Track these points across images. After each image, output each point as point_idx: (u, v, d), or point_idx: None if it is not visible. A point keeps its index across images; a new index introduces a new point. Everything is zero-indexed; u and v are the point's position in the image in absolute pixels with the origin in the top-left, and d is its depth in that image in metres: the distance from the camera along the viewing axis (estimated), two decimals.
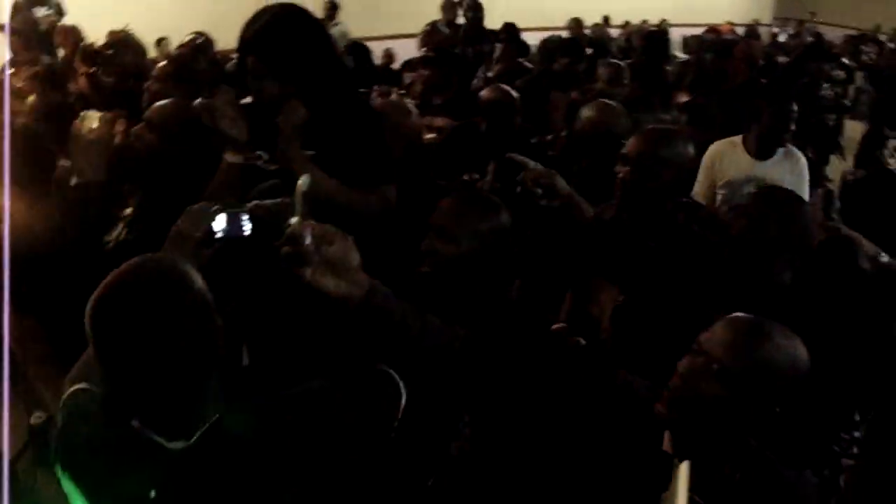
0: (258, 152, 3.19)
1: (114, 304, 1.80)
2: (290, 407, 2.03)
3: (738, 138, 5.15)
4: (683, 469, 2.05)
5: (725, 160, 5.12)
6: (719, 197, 5.09)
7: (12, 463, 2.82)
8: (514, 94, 5.31)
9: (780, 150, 5.06)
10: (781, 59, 11.96)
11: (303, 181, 1.85)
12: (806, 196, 4.94)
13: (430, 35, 8.54)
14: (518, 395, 2.29)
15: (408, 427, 2.23)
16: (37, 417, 2.97)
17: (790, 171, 5.06)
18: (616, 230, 3.47)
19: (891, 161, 7.10)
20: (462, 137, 5.24)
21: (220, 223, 2.26)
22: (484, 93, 5.44)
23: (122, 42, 5.85)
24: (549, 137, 5.68)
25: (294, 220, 1.85)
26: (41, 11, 9.47)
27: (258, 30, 3.06)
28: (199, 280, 1.89)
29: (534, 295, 4.93)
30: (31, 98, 4.75)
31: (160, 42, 11.27)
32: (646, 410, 2.28)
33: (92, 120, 3.05)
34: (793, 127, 5.00)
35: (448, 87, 6.21)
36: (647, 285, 3.29)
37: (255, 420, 1.97)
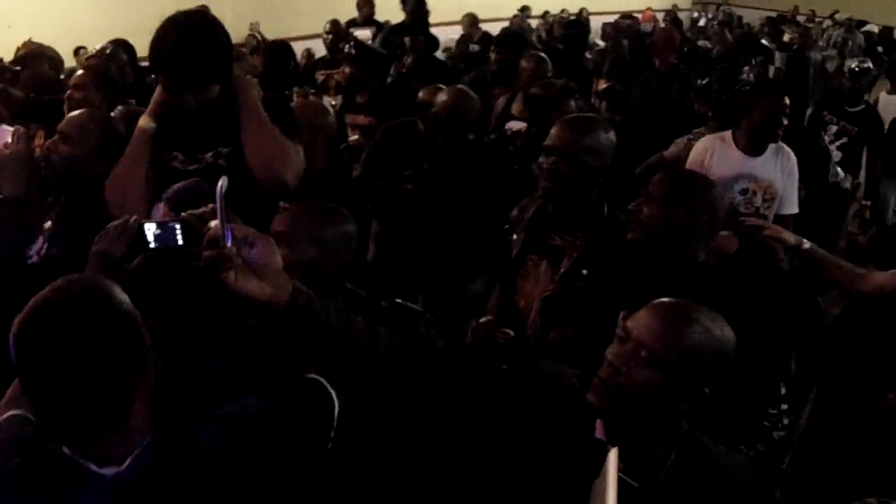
0: (174, 152, 3.20)
1: (37, 328, 1.74)
2: (224, 427, 1.97)
3: (727, 134, 5.02)
4: (613, 455, 2.04)
5: (715, 156, 4.97)
6: None
7: None
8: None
9: (771, 147, 4.92)
10: (702, 43, 12.13)
11: (222, 182, 1.80)
12: (794, 194, 4.98)
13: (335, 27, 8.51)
14: (447, 394, 2.23)
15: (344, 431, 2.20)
16: None
17: (781, 168, 4.95)
18: (543, 221, 3.50)
19: (830, 146, 7.20)
20: (398, 137, 5.25)
21: (150, 234, 2.24)
22: (421, 94, 5.48)
23: (36, 54, 5.79)
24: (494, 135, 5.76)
25: (214, 222, 1.78)
26: None
27: (169, 49, 3.07)
28: (124, 298, 1.83)
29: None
30: None
31: (78, 51, 11.15)
32: (576, 400, 2.25)
33: (5, 134, 3.02)
34: (785, 122, 4.85)
35: (369, 84, 6.21)
36: (575, 274, 3.31)
37: (190, 442, 1.91)
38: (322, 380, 2.13)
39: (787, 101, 4.87)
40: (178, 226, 2.23)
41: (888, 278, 3.53)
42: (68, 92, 4.72)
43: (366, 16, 10.10)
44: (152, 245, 2.25)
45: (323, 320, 1.94)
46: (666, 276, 2.99)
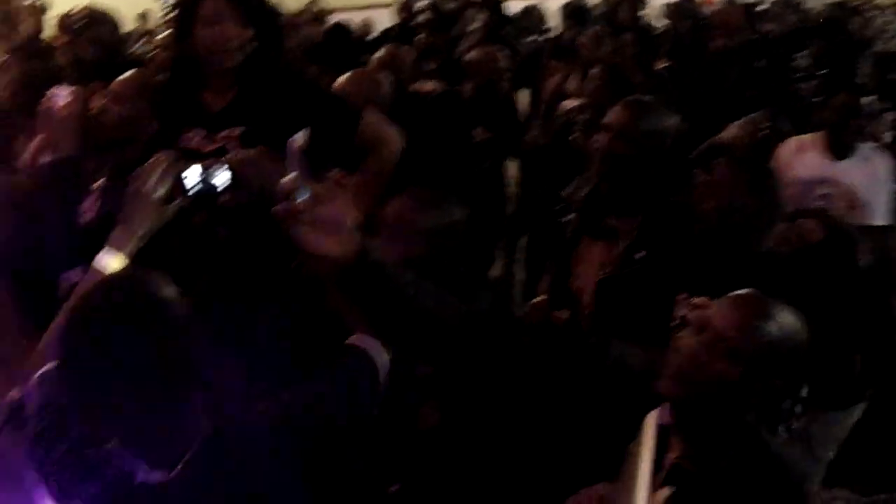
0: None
1: (85, 333, 1.72)
2: (271, 423, 1.96)
3: (815, 136, 4.87)
4: (650, 422, 2.05)
5: (799, 157, 4.89)
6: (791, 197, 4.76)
7: None
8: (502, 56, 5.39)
9: (862, 151, 4.76)
10: (768, 26, 11.92)
11: (298, 136, 1.78)
12: (883, 204, 4.78)
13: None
14: (512, 366, 2.24)
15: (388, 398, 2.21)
16: (14, 393, 2.97)
17: (869, 174, 4.78)
18: (597, 202, 3.48)
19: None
20: (445, 105, 5.24)
21: (192, 177, 2.22)
22: (472, 55, 5.49)
23: (97, 18, 5.82)
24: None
25: (288, 177, 1.77)
26: None
27: None
28: (173, 293, 1.80)
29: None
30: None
31: (142, 16, 11.22)
32: (641, 383, 2.28)
33: (62, 96, 3.05)
34: (866, 123, 4.71)
35: (440, 51, 6.19)
36: (630, 258, 3.28)
37: (239, 442, 1.89)
38: (364, 346, 2.13)
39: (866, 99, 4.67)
40: (222, 168, 2.21)
41: None
42: (154, 52, 4.75)
43: None
44: (194, 190, 2.24)
45: (392, 280, 1.93)
46: (727, 263, 2.96)
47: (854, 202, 4.70)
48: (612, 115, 3.41)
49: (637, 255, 3.26)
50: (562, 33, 7.11)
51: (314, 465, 1.97)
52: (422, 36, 6.49)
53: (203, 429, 1.82)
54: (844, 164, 4.75)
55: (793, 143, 4.98)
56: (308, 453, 1.96)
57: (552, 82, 6.27)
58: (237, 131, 3.05)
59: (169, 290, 1.79)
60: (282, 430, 1.93)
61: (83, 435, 1.84)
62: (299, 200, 1.74)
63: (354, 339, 2.17)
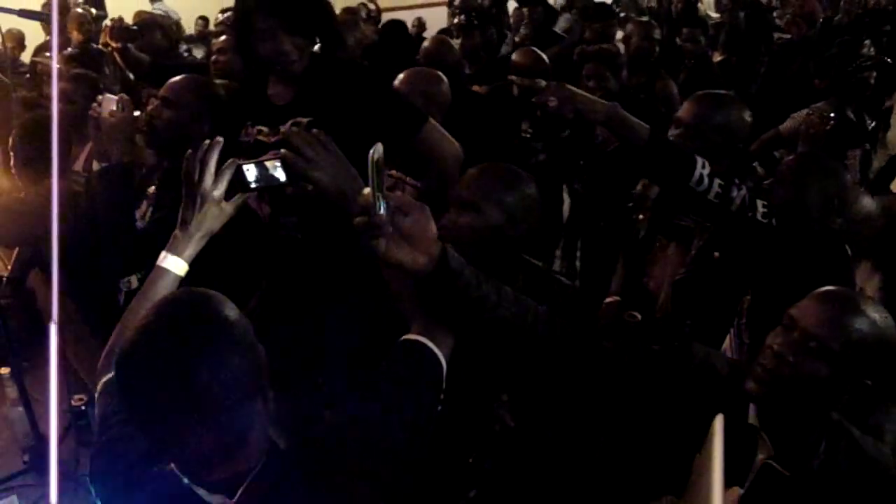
0: (258, 126, 3.18)
1: (144, 360, 1.63)
2: (335, 442, 1.88)
3: None
4: (718, 425, 2.02)
5: None
6: None
7: (56, 444, 2.84)
8: (545, 57, 5.34)
9: None
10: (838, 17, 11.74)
11: (375, 149, 1.76)
12: None
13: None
14: (594, 371, 2.23)
15: (454, 399, 2.17)
16: (77, 399, 2.99)
17: None
18: (669, 201, 3.46)
19: None
20: (495, 101, 5.22)
21: (250, 174, 2.19)
22: (515, 56, 5.47)
23: (149, 23, 5.89)
24: None
25: (367, 190, 1.76)
26: None
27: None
28: (236, 315, 1.72)
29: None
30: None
31: (202, 20, 11.39)
32: (727, 384, 2.25)
33: (110, 103, 3.06)
34: None
35: (478, 56, 6.15)
36: (706, 257, 3.26)
37: (303, 463, 1.81)
38: (424, 340, 2.07)
39: None
40: (277, 163, 2.19)
41: None
42: (213, 57, 4.79)
43: None
44: (253, 185, 2.19)
45: (474, 288, 1.93)
46: (798, 256, 2.91)
47: None
48: (684, 110, 3.37)
49: (713, 254, 3.23)
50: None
51: (388, 474, 1.92)
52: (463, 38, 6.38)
53: (264, 451, 1.76)
54: None
55: None
56: (380, 464, 1.91)
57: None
58: (304, 121, 3.04)
59: (230, 311, 1.72)
60: (349, 445, 1.88)
61: (143, 452, 1.83)
62: (380, 213, 1.73)
63: (416, 332, 2.10)
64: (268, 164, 2.18)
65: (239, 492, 1.72)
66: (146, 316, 1.68)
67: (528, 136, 4.91)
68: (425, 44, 5.87)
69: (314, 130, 2.18)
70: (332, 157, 2.15)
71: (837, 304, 2.15)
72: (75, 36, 6.73)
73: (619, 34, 6.79)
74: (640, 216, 3.68)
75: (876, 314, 2.13)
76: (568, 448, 2.63)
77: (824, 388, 2.12)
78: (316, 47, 3.16)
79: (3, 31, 7.44)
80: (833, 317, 2.12)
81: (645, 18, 6.24)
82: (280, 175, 2.17)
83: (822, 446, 2.19)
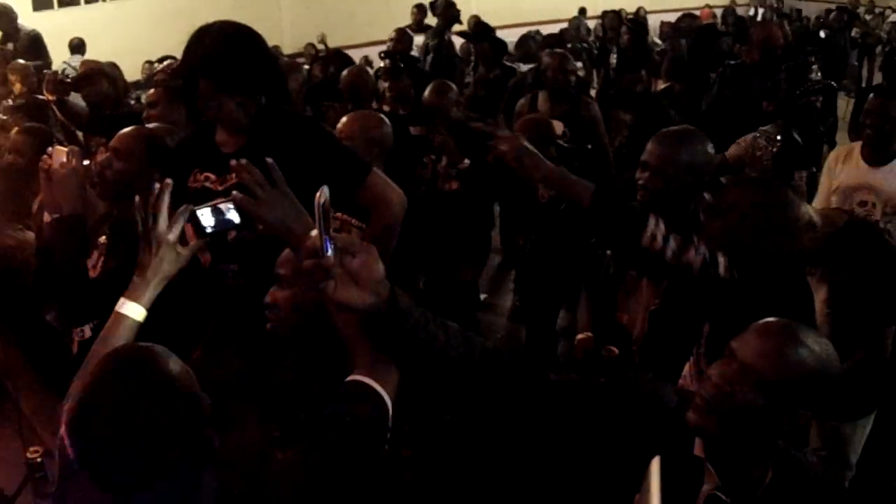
0: (206, 173, 3.21)
1: (90, 419, 1.71)
2: (284, 479, 1.94)
3: (858, 143, 4.81)
4: (655, 465, 2.04)
5: (841, 164, 4.83)
6: (833, 203, 4.77)
7: (12, 498, 2.83)
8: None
9: None
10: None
11: (322, 192, 1.78)
12: None
13: (396, 43, 8.54)
14: (541, 404, 2.22)
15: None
16: (33, 452, 2.99)
17: None
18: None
19: None
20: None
21: (205, 219, 2.21)
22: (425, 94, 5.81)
23: (95, 72, 5.90)
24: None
25: (314, 232, 1.76)
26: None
27: (210, 51, 3.05)
28: (177, 369, 1.80)
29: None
30: (14, 131, 4.77)
31: (148, 64, 11.41)
32: (674, 416, 2.24)
33: (60, 154, 3.07)
34: None
35: (408, 98, 6.22)
36: (680, 290, 3.26)
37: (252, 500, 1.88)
38: (369, 381, 2.09)
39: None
40: (230, 205, 2.20)
41: None
42: (145, 112, 4.82)
43: (419, 21, 10.20)
44: (209, 230, 2.22)
45: (422, 327, 1.93)
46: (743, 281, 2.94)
47: (894, 208, 4.62)
48: (649, 151, 3.40)
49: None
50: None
51: None
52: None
53: (209, 494, 1.82)
54: (882, 171, 4.65)
55: (838, 149, 5.01)
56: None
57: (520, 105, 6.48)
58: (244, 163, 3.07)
59: (172, 364, 1.80)
60: (294, 486, 1.91)
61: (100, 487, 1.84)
62: (327, 254, 1.74)
63: (361, 373, 2.13)
64: (222, 206, 2.21)
65: None
66: (92, 373, 1.76)
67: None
68: (344, 73, 6.14)
69: (269, 161, 2.21)
70: (281, 196, 2.19)
71: (776, 336, 2.16)
72: (17, 88, 6.74)
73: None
74: (608, 252, 3.69)
75: (816, 346, 2.14)
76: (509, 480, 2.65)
77: (761, 419, 2.13)
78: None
79: None
80: (771, 349, 2.13)
81: (559, 51, 6.39)
82: (234, 217, 2.20)
83: (768, 475, 2.20)
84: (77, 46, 12.61)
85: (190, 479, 1.77)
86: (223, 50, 3.05)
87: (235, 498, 1.84)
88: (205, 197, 2.86)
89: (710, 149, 3.43)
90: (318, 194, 1.74)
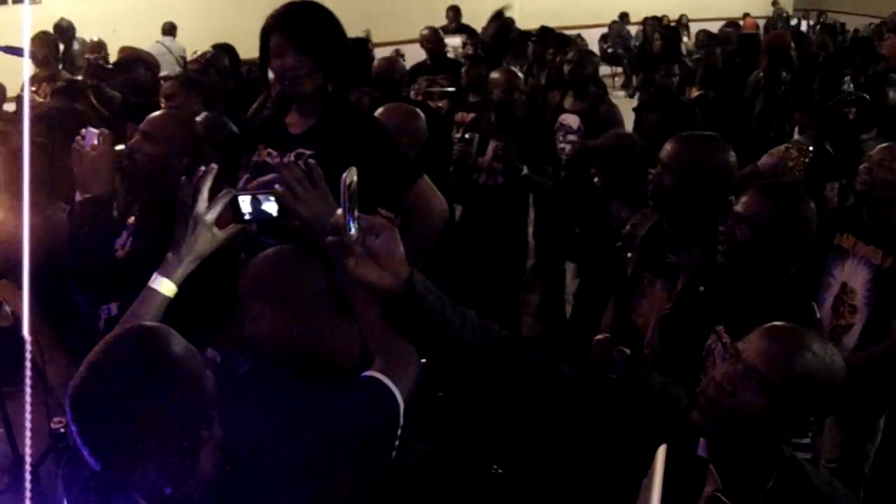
0: (268, 148, 3.37)
1: (93, 391, 1.75)
2: (281, 467, 1.96)
3: None
4: (661, 454, 2.09)
5: None
6: None
7: (35, 467, 2.88)
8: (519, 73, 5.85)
9: None
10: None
11: (349, 172, 1.80)
12: None
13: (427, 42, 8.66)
14: (552, 396, 2.24)
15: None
16: (57, 422, 3.05)
17: None
18: (657, 239, 3.53)
19: None
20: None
21: (245, 205, 2.27)
22: (493, 74, 5.84)
23: (133, 59, 5.99)
24: None
25: (339, 210, 1.82)
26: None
27: (287, 9, 3.25)
28: (182, 349, 1.84)
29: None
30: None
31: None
32: (682, 416, 2.26)
33: (92, 136, 3.14)
34: None
35: (483, 85, 6.35)
36: (691, 292, 3.27)
37: (245, 487, 1.90)
38: (383, 378, 2.11)
39: None
40: (270, 197, 2.26)
41: None
42: (163, 103, 4.89)
43: (453, 22, 10.27)
44: (247, 217, 2.28)
45: (438, 311, 1.98)
46: (755, 290, 2.96)
47: None
48: (666, 150, 3.43)
49: (698, 289, 3.23)
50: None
51: None
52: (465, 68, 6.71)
53: (208, 473, 1.86)
54: None
55: None
56: (318, 497, 1.98)
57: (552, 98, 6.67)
58: (307, 154, 3.15)
59: (175, 346, 1.83)
60: (291, 474, 1.95)
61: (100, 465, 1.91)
62: (351, 233, 1.81)
63: (377, 369, 2.15)
64: (261, 197, 2.27)
65: None
66: (95, 353, 1.79)
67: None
68: (376, 61, 6.49)
69: (311, 162, 2.29)
70: (319, 195, 2.25)
71: (781, 339, 2.18)
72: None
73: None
74: (629, 255, 3.73)
75: (821, 351, 2.15)
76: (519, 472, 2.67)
77: (763, 421, 2.15)
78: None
79: None
80: (776, 352, 2.14)
81: (512, 68, 6.45)
82: (272, 208, 2.25)
83: (770, 481, 2.21)
84: (169, 29, 12.83)
85: (189, 459, 1.81)
86: (299, 9, 3.25)
87: (233, 477, 1.89)
88: (264, 172, 2.99)
89: (731, 157, 3.43)
90: (345, 174, 1.81)
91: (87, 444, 1.76)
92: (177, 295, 2.35)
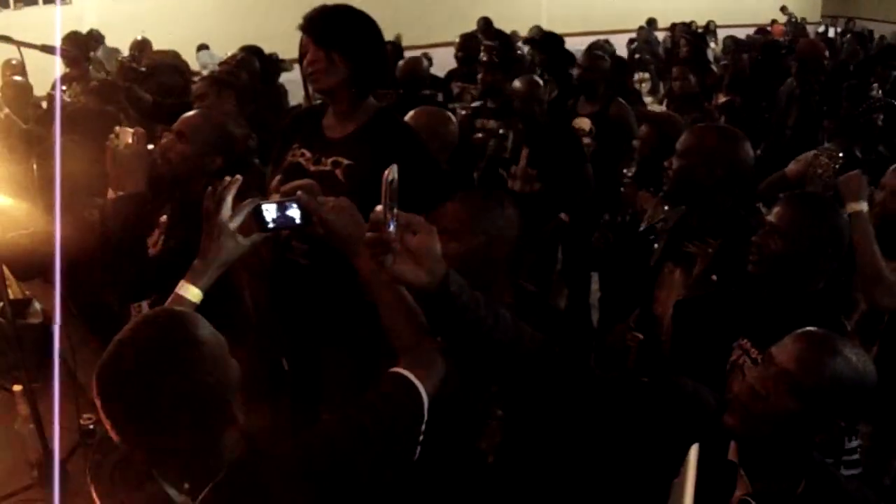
0: (302, 149, 3.39)
1: (118, 371, 1.78)
2: (301, 456, 1.98)
3: None
4: (693, 454, 2.09)
5: None
6: None
7: (63, 462, 2.90)
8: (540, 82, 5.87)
9: None
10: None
11: (391, 170, 1.82)
12: None
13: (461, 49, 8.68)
14: (584, 398, 2.29)
15: (445, 420, 2.23)
16: (86, 419, 3.06)
17: None
18: (682, 231, 3.56)
19: None
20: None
21: (268, 214, 2.28)
22: (516, 83, 5.86)
23: (167, 64, 6.03)
24: None
25: (379, 207, 1.84)
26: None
27: (315, 12, 3.30)
28: (207, 333, 1.86)
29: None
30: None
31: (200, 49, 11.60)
32: (712, 419, 2.28)
33: (126, 135, 3.17)
34: None
35: (503, 91, 6.37)
36: (705, 280, 3.33)
37: (265, 475, 1.91)
38: (409, 374, 2.12)
39: None
40: (294, 205, 2.26)
41: None
42: (194, 104, 4.91)
43: (484, 31, 10.30)
44: (271, 225, 2.29)
45: (472, 310, 2.00)
46: (783, 303, 2.93)
47: None
48: (683, 140, 3.47)
49: (712, 278, 3.29)
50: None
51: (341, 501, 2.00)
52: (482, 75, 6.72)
53: (231, 455, 1.89)
54: None
55: None
56: (335, 490, 1.98)
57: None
58: (345, 162, 3.24)
59: (202, 329, 1.87)
60: (309, 464, 1.96)
61: (126, 453, 1.95)
62: (389, 230, 1.84)
63: (403, 366, 2.16)
64: (286, 203, 2.29)
65: (201, 496, 1.85)
66: (125, 331, 1.82)
67: None
68: (401, 63, 6.52)
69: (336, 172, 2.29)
70: (345, 205, 2.26)
71: (815, 343, 2.18)
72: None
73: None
74: (657, 246, 3.76)
75: (853, 356, 2.15)
76: (553, 465, 2.68)
77: (796, 426, 2.15)
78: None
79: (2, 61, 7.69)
80: (809, 356, 2.15)
81: (534, 77, 6.44)
82: (296, 216, 2.26)
83: (801, 486, 2.21)
84: (201, 47, 13.06)
85: (212, 440, 1.84)
86: (327, 10, 3.30)
87: (256, 462, 1.91)
88: (296, 171, 3.11)
89: (748, 149, 3.45)
90: (386, 171, 1.83)
91: (110, 419, 1.79)
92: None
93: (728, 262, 3.26)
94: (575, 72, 6.90)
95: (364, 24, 3.33)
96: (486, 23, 11.13)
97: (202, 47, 13.17)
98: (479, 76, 6.80)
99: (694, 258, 3.42)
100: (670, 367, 3.30)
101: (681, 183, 3.44)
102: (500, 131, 5.94)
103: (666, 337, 3.48)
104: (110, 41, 10.58)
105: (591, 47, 10.06)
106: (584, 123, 6.48)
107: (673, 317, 3.40)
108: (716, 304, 3.18)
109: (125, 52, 9.10)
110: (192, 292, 2.32)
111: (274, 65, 7.28)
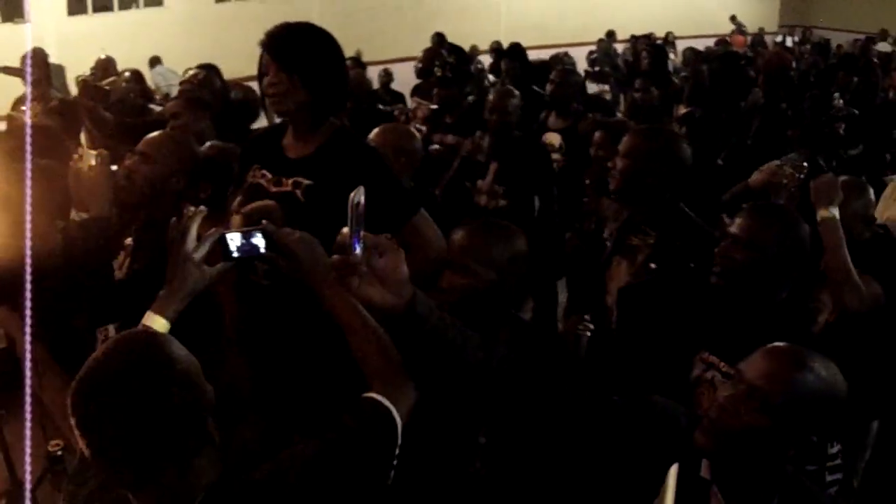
0: (263, 170, 3.33)
1: (92, 393, 1.79)
2: (276, 482, 1.97)
3: None
4: (672, 474, 2.09)
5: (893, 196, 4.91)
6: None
7: (32, 490, 2.88)
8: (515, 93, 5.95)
9: None
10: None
11: (357, 192, 1.83)
12: None
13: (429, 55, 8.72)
14: (555, 418, 2.29)
15: (427, 442, 2.24)
16: (54, 445, 3.04)
17: None
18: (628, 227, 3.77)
19: None
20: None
21: (233, 244, 2.29)
22: (490, 94, 5.94)
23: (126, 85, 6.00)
24: None
25: (345, 229, 1.85)
26: None
27: (275, 31, 3.25)
28: (181, 354, 1.88)
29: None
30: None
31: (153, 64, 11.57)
32: (683, 437, 2.27)
33: (90, 157, 3.15)
34: None
35: (458, 106, 6.39)
36: (645, 268, 3.58)
37: (243, 498, 1.93)
38: (382, 399, 2.12)
39: None
40: (259, 234, 2.28)
41: (870, 295, 3.59)
42: (169, 124, 4.89)
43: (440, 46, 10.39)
44: (235, 254, 2.30)
45: (440, 332, 2.01)
46: (748, 315, 2.96)
47: None
48: (624, 141, 3.76)
49: (650, 266, 3.54)
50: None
51: None
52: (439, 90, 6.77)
53: (209, 477, 1.89)
54: None
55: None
56: None
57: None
58: (305, 183, 3.20)
59: (175, 351, 1.88)
60: (286, 490, 1.96)
61: (103, 482, 1.97)
62: (355, 252, 1.84)
63: (376, 391, 2.15)
64: (251, 233, 2.29)
65: None
66: (99, 351, 1.84)
67: None
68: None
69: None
70: (308, 239, 2.27)
71: (783, 359, 2.19)
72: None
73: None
74: (608, 243, 4.02)
75: (823, 370, 2.16)
76: (536, 490, 2.68)
77: (767, 442, 2.16)
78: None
79: None
80: (777, 371, 2.16)
81: (508, 87, 6.55)
82: (261, 244, 2.27)
83: (774, 502, 2.22)
84: (153, 60, 12.94)
85: (188, 461, 1.85)
86: (287, 29, 3.26)
87: (231, 483, 1.91)
88: (257, 192, 3.10)
89: (685, 148, 3.79)
90: (353, 193, 1.84)
91: (86, 439, 1.80)
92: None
93: (666, 251, 3.53)
94: (547, 87, 6.95)
95: (327, 48, 3.30)
96: (440, 38, 11.25)
97: (155, 61, 13.12)
98: (434, 91, 6.86)
99: (635, 249, 3.67)
100: (617, 350, 3.45)
101: (627, 181, 3.70)
102: (477, 133, 5.94)
103: (614, 324, 3.65)
104: (68, 60, 10.50)
105: (553, 60, 10.14)
106: (554, 139, 6.54)
107: (617, 303, 3.59)
108: (654, 289, 3.42)
109: (85, 71, 9.02)
110: (158, 323, 2.32)
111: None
